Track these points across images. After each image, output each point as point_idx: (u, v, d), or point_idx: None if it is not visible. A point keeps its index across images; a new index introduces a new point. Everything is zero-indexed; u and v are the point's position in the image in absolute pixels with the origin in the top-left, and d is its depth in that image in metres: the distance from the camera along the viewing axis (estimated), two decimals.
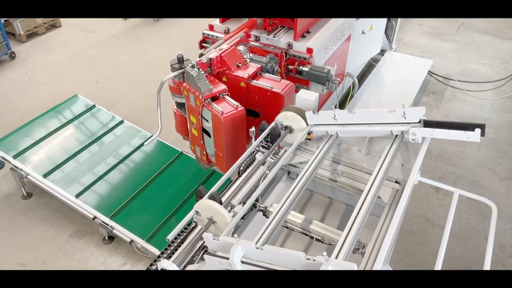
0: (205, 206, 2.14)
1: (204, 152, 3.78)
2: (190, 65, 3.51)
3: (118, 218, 4.10)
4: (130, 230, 4.00)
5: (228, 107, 3.34)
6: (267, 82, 3.62)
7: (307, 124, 2.69)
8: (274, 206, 2.54)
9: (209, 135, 3.61)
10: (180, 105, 3.95)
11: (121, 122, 5.17)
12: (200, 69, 3.44)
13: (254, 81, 3.63)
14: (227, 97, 3.45)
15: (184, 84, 3.58)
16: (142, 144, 4.88)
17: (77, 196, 4.28)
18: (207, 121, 3.47)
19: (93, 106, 5.33)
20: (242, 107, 3.39)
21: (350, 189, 2.72)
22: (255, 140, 2.76)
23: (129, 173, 4.60)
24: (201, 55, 3.71)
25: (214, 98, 3.41)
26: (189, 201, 4.30)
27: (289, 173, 2.98)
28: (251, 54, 3.90)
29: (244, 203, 2.32)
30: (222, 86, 3.46)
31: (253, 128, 2.83)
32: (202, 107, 3.39)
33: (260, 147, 2.79)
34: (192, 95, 3.47)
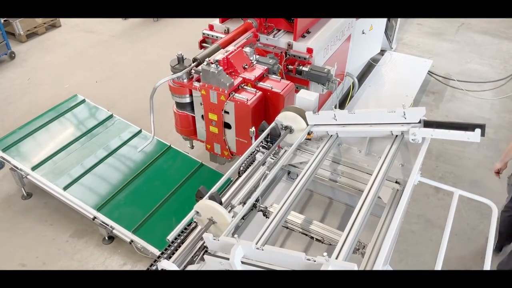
0: (205, 206, 2.14)
1: (227, 146, 3.86)
2: (206, 63, 3.55)
3: (105, 210, 4.13)
4: (116, 222, 4.04)
5: (249, 94, 3.53)
6: (270, 83, 3.66)
7: (307, 124, 2.69)
8: (274, 206, 2.54)
9: (229, 127, 3.67)
10: (181, 105, 3.95)
11: (110, 116, 5.20)
12: (218, 65, 3.51)
13: (260, 83, 3.65)
14: (246, 87, 3.61)
15: (200, 83, 3.63)
16: (130, 138, 4.93)
17: (65, 188, 4.30)
18: (228, 113, 3.58)
19: (83, 101, 5.37)
20: (260, 92, 3.57)
21: (350, 189, 2.72)
22: (255, 140, 2.76)
23: (117, 166, 4.63)
24: (194, 59, 3.72)
25: (235, 90, 3.58)
26: (176, 194, 4.33)
27: (289, 173, 2.98)
28: (257, 56, 3.91)
29: (244, 203, 2.32)
30: (239, 78, 3.63)
31: (253, 128, 2.83)
32: (227, 102, 3.52)
33: (260, 147, 2.79)
34: (213, 92, 3.54)
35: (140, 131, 5.01)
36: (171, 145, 4.85)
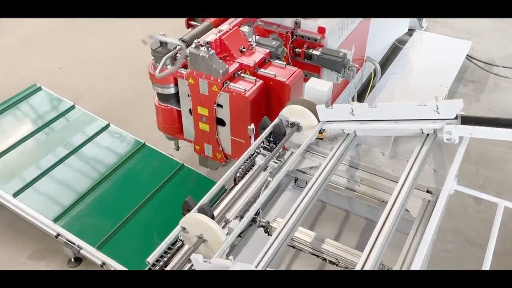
0: (193, 221, 2.15)
1: (220, 147, 3.86)
2: (194, 45, 3.54)
3: (63, 222, 4.12)
4: (77, 236, 4.03)
5: (247, 84, 3.50)
6: (273, 70, 3.66)
7: (319, 121, 2.70)
8: (278, 221, 2.55)
9: (223, 124, 3.67)
10: (164, 97, 3.96)
11: (72, 107, 5.20)
12: (210, 48, 3.49)
13: (261, 70, 3.65)
14: (244, 74, 3.59)
15: (188, 70, 3.63)
16: (96, 134, 4.90)
17: (15, 195, 4.27)
18: (222, 107, 3.57)
19: (39, 88, 5.36)
20: (261, 80, 3.54)
21: (371, 200, 2.73)
22: (254, 140, 2.77)
23: (80, 168, 4.61)
24: (183, 40, 3.73)
25: (230, 79, 3.56)
26: (151, 201, 4.32)
27: (296, 180, 3.00)
28: (257, 37, 3.92)
29: (242, 217, 2.33)
30: (235, 64, 3.61)
31: (252, 126, 2.83)
32: (220, 93, 3.50)
33: (261, 149, 2.80)
34: (204, 82, 3.54)
35: (108, 125, 4.99)
36: (146, 143, 4.84)
